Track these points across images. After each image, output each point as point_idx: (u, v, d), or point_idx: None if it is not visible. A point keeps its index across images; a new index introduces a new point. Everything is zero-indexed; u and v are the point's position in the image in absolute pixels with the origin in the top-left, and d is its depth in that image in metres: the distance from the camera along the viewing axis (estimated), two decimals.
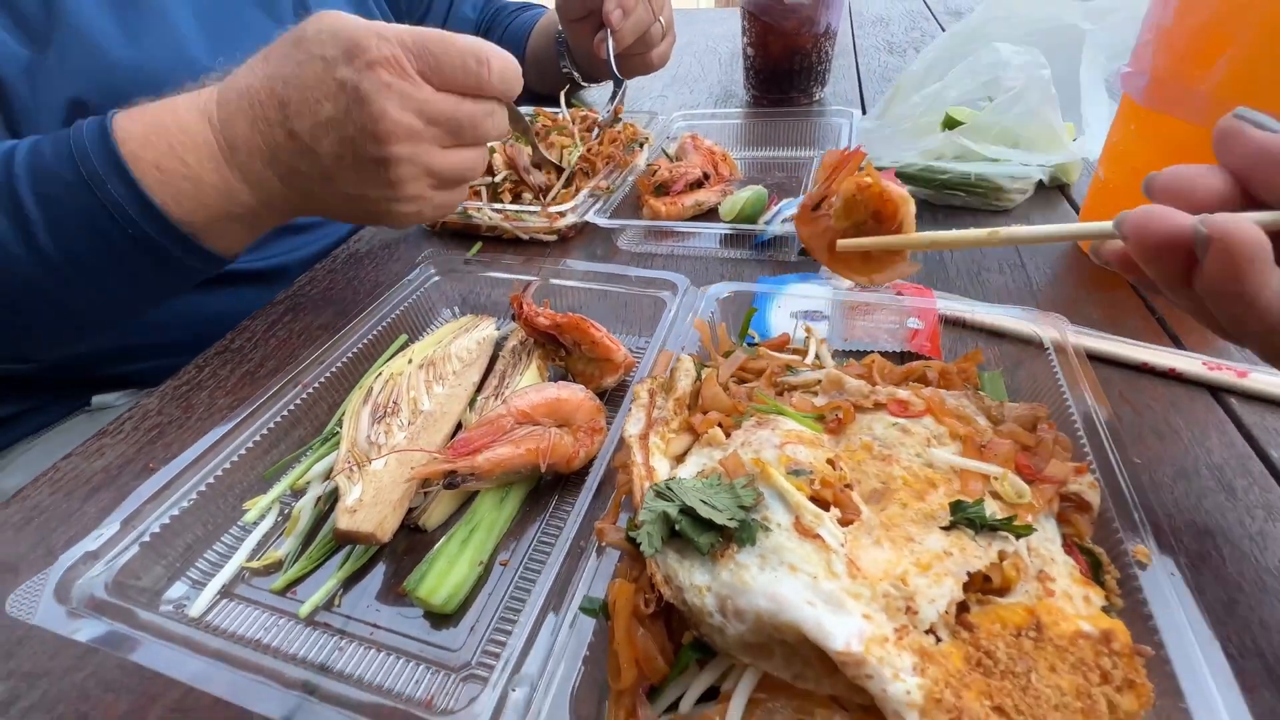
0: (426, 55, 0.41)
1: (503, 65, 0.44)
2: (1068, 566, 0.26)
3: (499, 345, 0.51)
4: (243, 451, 0.39)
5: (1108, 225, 0.26)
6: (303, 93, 0.42)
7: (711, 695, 0.26)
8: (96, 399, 0.75)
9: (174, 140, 0.43)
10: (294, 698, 0.27)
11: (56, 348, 0.54)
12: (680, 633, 0.27)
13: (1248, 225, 0.23)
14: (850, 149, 0.41)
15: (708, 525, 0.26)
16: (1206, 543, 0.32)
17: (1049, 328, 0.41)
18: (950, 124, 0.66)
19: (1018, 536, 0.26)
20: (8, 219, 0.42)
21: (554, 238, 0.66)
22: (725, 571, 0.25)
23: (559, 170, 0.70)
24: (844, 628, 0.21)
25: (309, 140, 0.43)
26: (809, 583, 0.23)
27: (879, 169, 0.39)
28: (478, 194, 0.70)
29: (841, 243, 0.34)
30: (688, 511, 0.26)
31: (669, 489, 0.27)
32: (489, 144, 0.70)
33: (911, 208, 0.32)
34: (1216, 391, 0.41)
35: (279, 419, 0.42)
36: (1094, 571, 0.27)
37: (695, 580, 0.25)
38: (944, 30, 1.26)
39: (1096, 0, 0.66)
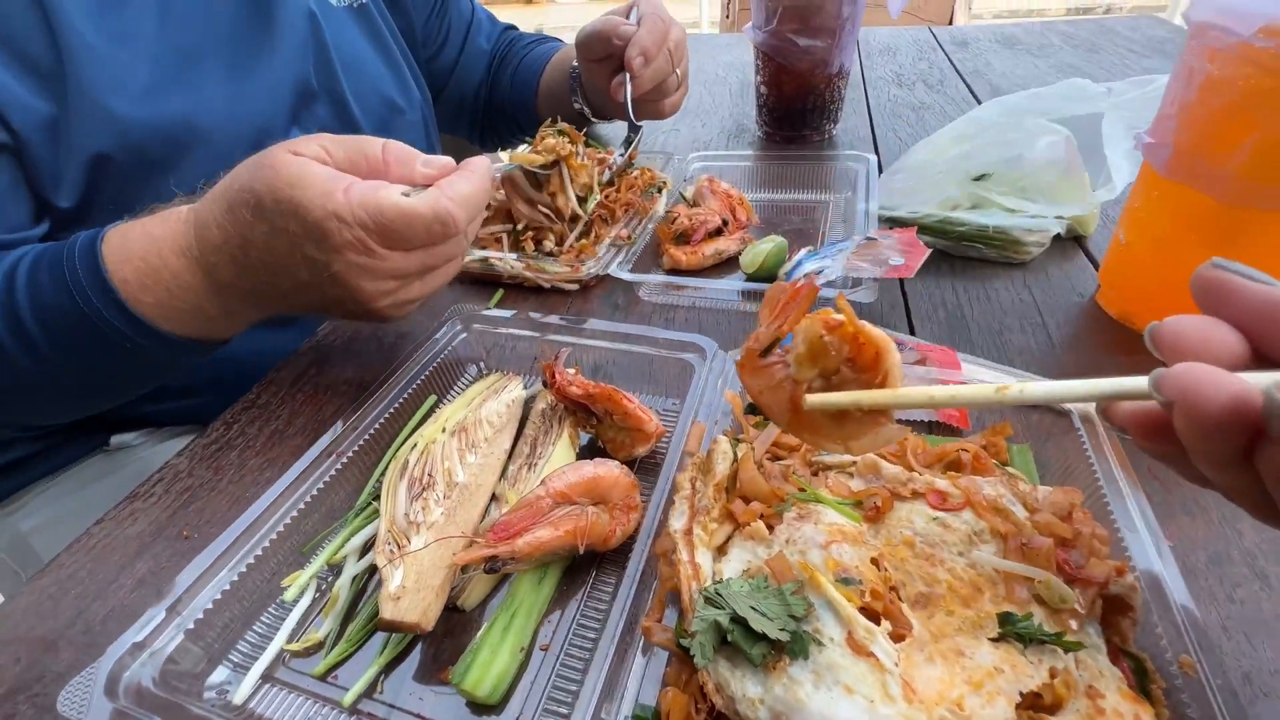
0: (389, 234, 0.42)
1: (469, 214, 0.45)
2: (1115, 679, 0.26)
3: (527, 405, 0.51)
4: (280, 529, 0.40)
5: (1142, 383, 0.21)
6: (278, 260, 0.44)
7: None
8: (115, 439, 0.75)
9: (170, 285, 0.46)
10: None
11: (70, 418, 0.60)
12: None
13: None
14: (802, 280, 0.41)
15: (759, 636, 0.26)
16: (1242, 629, 0.33)
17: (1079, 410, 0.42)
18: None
19: (1067, 650, 0.26)
20: (17, 344, 0.46)
21: (575, 286, 0.66)
22: (779, 686, 0.25)
23: (565, 207, 0.70)
24: None
25: (295, 297, 0.47)
26: (866, 707, 0.24)
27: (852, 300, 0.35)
28: (499, 242, 0.71)
29: (810, 399, 0.27)
30: (739, 620, 0.27)
31: (719, 595, 0.28)
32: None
33: (896, 356, 0.26)
34: None
35: (315, 491, 0.42)
36: (1139, 680, 0.28)
37: (748, 692, 0.26)
38: (950, 60, 1.27)
39: (1120, 88, 0.67)
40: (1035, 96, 0.74)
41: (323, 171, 0.42)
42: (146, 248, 0.46)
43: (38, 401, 0.53)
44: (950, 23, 1.98)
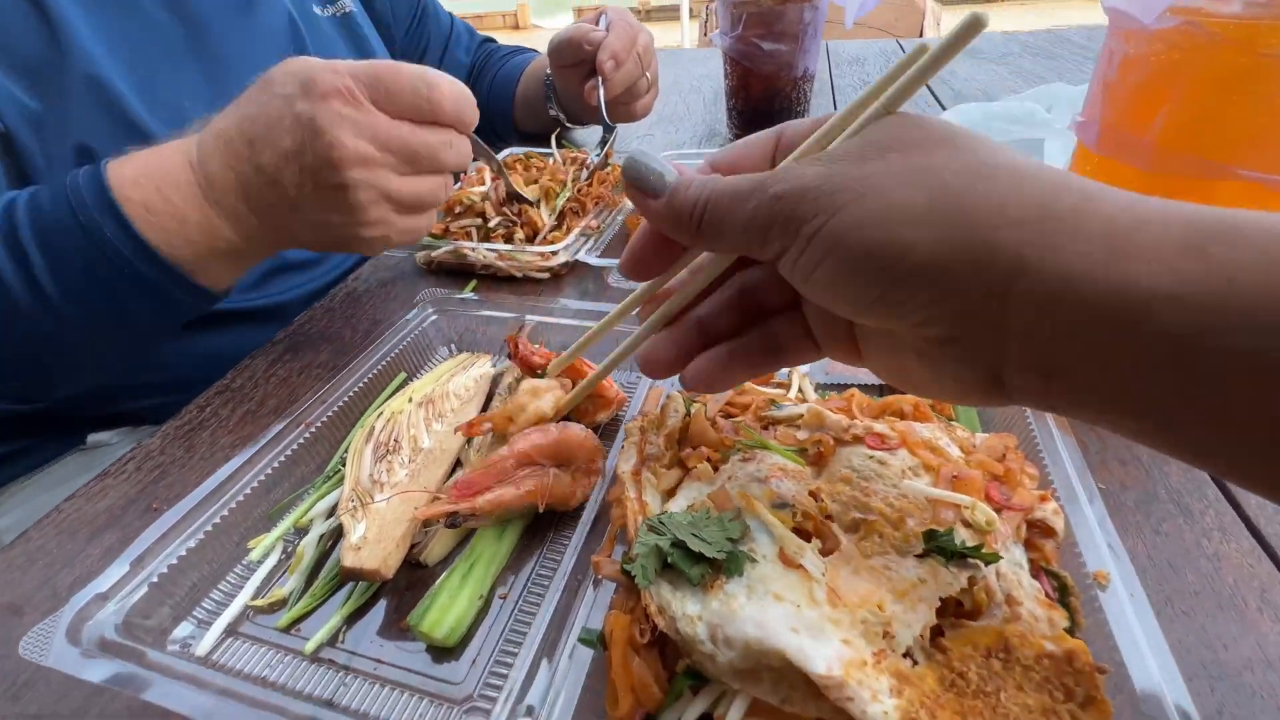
0: (377, 84, 0.44)
1: (454, 92, 0.47)
2: (1034, 590, 0.28)
3: (495, 381, 0.52)
4: (247, 492, 0.41)
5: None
6: (266, 129, 0.45)
7: None
8: (92, 437, 0.75)
9: (160, 182, 0.46)
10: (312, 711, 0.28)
11: (61, 389, 0.55)
12: (673, 662, 0.29)
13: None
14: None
15: (698, 558, 0.27)
16: (1165, 563, 0.34)
17: None
18: None
19: (987, 563, 0.28)
20: (14, 266, 0.45)
21: (546, 275, 0.68)
22: (715, 601, 0.26)
23: (528, 203, 0.72)
24: (824, 653, 0.23)
25: (273, 172, 0.46)
26: (793, 611, 0.25)
27: None
28: (469, 235, 0.73)
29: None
30: (679, 545, 0.28)
31: (661, 523, 0.29)
32: (466, 177, 0.73)
33: None
34: None
35: (282, 459, 0.43)
36: (1061, 594, 0.29)
37: (687, 610, 0.27)
38: None
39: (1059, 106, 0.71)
40: (989, 114, 0.78)
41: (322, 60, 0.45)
42: (148, 153, 0.47)
43: (32, 354, 0.50)
44: (921, 36, 2.05)
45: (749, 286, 0.30)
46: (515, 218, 0.71)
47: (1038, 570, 0.30)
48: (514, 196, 0.72)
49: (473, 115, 0.49)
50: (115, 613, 0.33)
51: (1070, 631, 0.28)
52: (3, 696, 0.34)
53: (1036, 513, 0.31)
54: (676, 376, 0.31)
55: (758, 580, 0.26)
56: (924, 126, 0.23)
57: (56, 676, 0.33)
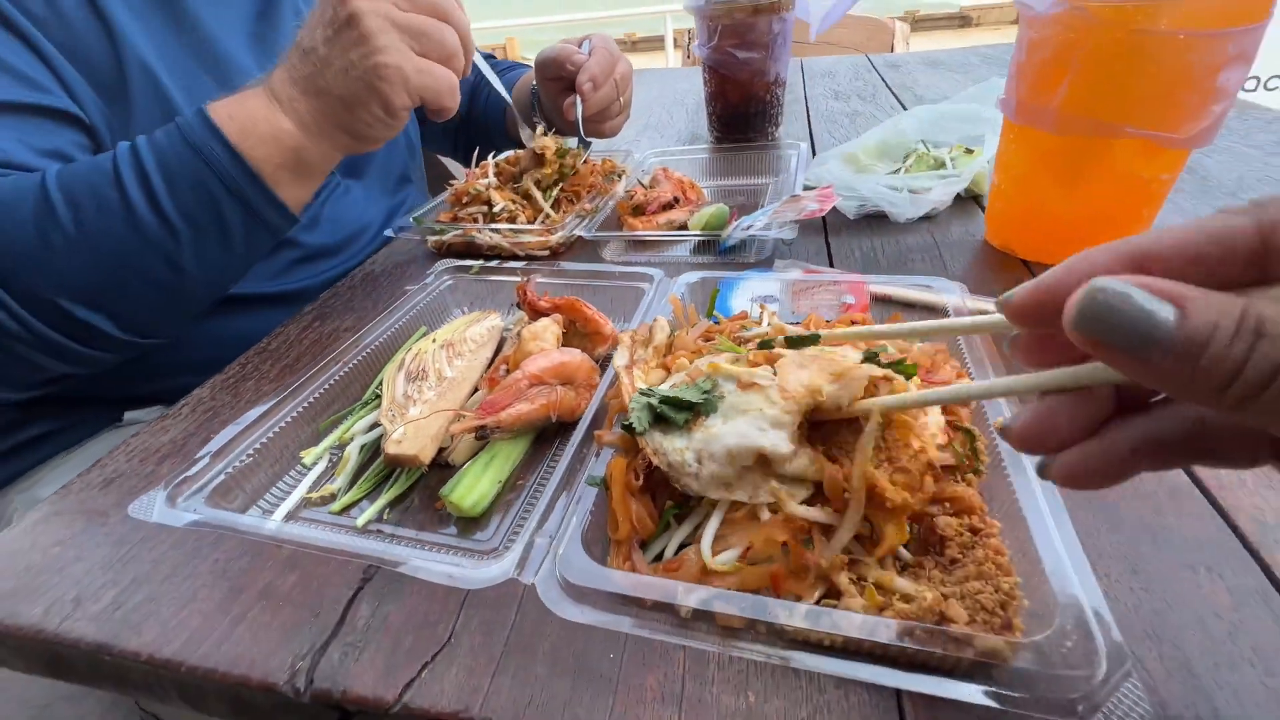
0: None
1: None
2: (939, 424, 0.35)
3: (506, 334, 0.60)
4: (294, 414, 0.48)
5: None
6: (310, 26, 0.57)
7: (685, 546, 0.35)
8: (129, 415, 0.82)
9: (243, 101, 0.57)
10: (364, 568, 0.35)
11: (165, 317, 0.64)
12: (662, 504, 0.36)
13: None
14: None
15: (681, 406, 0.35)
16: None
17: (953, 295, 0.52)
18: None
19: (907, 377, 0.35)
20: (141, 192, 0.54)
21: (546, 253, 0.76)
22: (698, 434, 0.34)
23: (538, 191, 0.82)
24: (783, 436, 0.30)
25: (308, 47, 0.56)
26: (756, 415, 0.32)
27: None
28: (475, 221, 0.81)
29: None
30: (666, 400, 0.35)
31: (650, 390, 0.36)
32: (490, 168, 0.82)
33: None
34: None
35: (323, 389, 0.50)
36: (969, 443, 0.36)
37: (676, 445, 0.34)
38: (882, 78, 1.43)
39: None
40: (942, 115, 0.88)
41: None
42: (240, 92, 0.58)
43: (153, 274, 0.58)
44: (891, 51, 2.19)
45: None
46: (519, 200, 0.80)
47: (951, 426, 0.37)
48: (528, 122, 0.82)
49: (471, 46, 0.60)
50: (199, 492, 0.40)
51: (975, 471, 0.35)
52: (115, 551, 0.40)
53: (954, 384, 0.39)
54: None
55: (728, 409, 0.34)
56: None
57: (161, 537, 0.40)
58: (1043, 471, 0.23)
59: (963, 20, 8.92)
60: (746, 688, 0.29)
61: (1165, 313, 0.16)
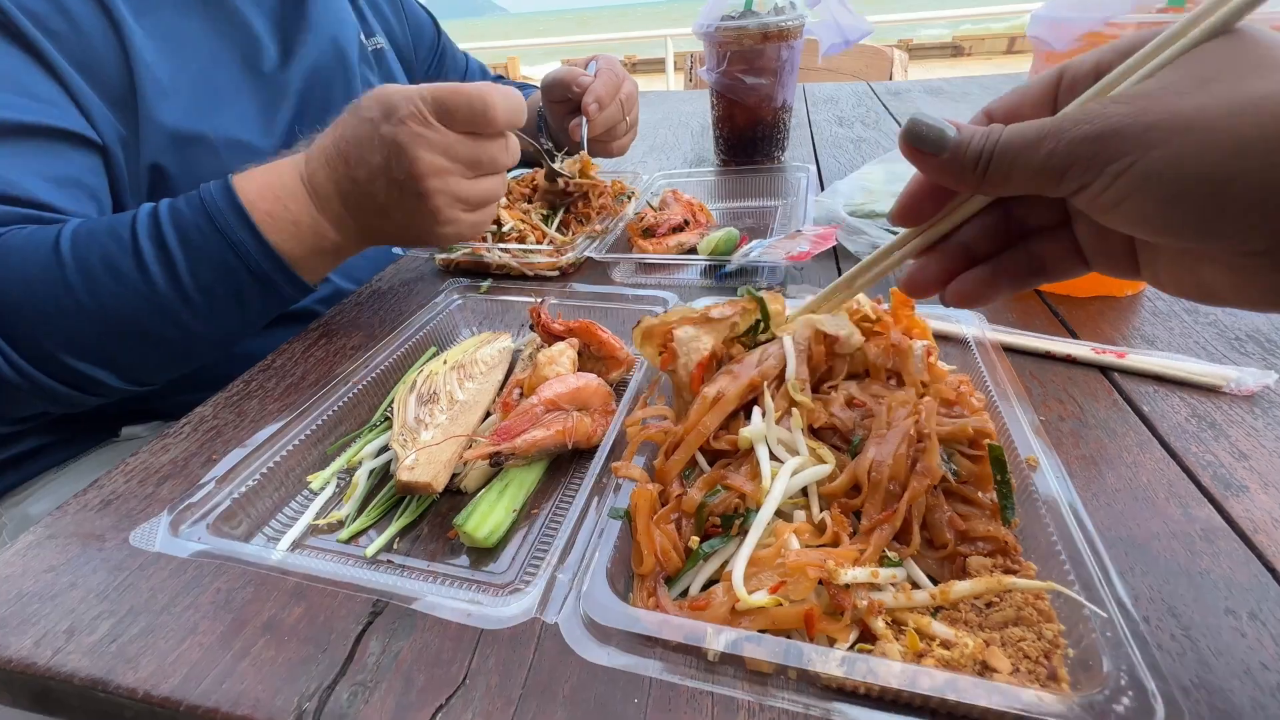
0: (441, 107, 0.53)
1: (506, 104, 0.55)
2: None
3: (516, 355, 0.59)
4: (301, 438, 0.46)
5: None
6: (359, 148, 0.55)
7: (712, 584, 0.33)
8: (126, 430, 0.80)
9: (279, 193, 0.56)
10: (373, 602, 0.33)
11: (168, 372, 0.63)
12: (687, 537, 0.35)
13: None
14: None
15: None
16: (1092, 466, 0.41)
17: (972, 326, 0.52)
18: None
19: None
20: (160, 263, 0.53)
21: (556, 274, 0.75)
22: None
23: (568, 177, 0.82)
24: None
25: (366, 184, 0.55)
26: None
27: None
28: (484, 240, 0.80)
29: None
30: None
31: None
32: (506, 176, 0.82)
33: None
34: (1104, 370, 0.51)
35: (331, 412, 0.49)
36: (1004, 489, 0.35)
37: None
38: (885, 106, 1.45)
39: None
40: None
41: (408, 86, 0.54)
42: (266, 169, 0.57)
43: (161, 338, 0.57)
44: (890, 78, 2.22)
45: (1011, 209, 0.32)
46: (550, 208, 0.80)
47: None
48: (552, 175, 0.81)
49: (522, 117, 0.57)
50: (202, 520, 0.39)
51: (1006, 521, 0.34)
52: (112, 578, 0.39)
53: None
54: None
55: None
56: (1262, 47, 0.23)
57: (162, 567, 0.38)
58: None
59: (955, 50, 9.12)
60: None
61: (950, 130, 0.28)
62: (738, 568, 0.31)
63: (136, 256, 0.53)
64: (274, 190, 0.55)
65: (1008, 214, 0.32)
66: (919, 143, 0.28)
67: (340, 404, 0.50)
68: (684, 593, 0.34)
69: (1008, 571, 0.32)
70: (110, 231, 0.53)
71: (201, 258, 0.54)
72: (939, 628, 0.29)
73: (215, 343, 0.61)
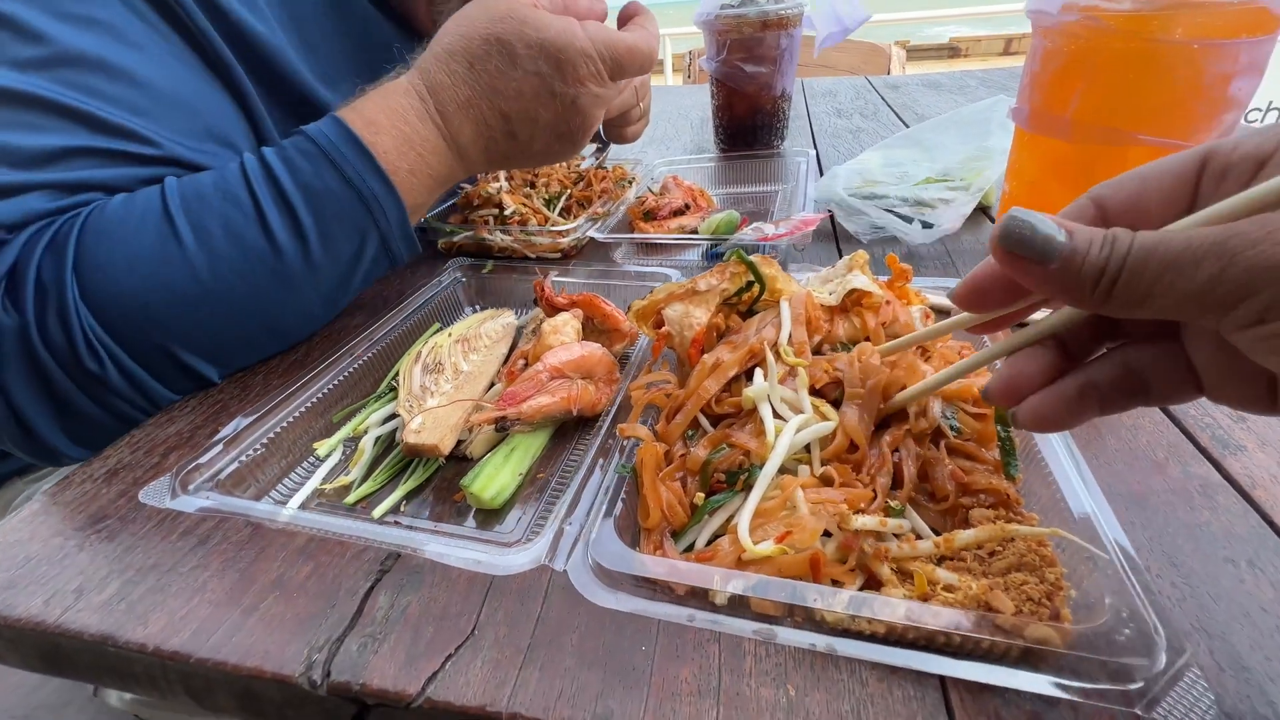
0: (618, 67, 0.52)
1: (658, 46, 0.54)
2: None
3: (519, 332, 0.59)
4: (307, 406, 0.47)
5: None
6: (523, 104, 0.51)
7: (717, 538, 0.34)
8: None
9: (420, 149, 0.50)
10: (380, 560, 0.33)
11: (260, 357, 0.57)
12: (692, 494, 0.35)
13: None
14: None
15: None
16: (1092, 429, 0.41)
17: None
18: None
19: None
20: (288, 231, 0.48)
21: (558, 255, 0.76)
22: None
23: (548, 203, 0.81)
24: None
25: (527, 139, 0.53)
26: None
27: None
28: (487, 224, 0.81)
29: None
30: None
31: None
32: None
33: None
34: None
35: (336, 382, 0.49)
36: (1006, 445, 0.36)
37: None
38: (883, 98, 1.46)
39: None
40: (954, 120, 0.89)
41: (555, 19, 0.49)
42: (393, 120, 0.49)
43: (271, 309, 0.52)
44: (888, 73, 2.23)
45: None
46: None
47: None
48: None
49: None
50: (210, 480, 0.39)
51: (1010, 476, 0.35)
52: (120, 541, 0.39)
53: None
54: None
55: None
56: None
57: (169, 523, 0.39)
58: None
59: (952, 51, 9.15)
60: (786, 680, 0.28)
61: (1060, 235, 0.22)
62: (743, 519, 0.32)
63: (262, 223, 0.47)
64: (413, 145, 0.50)
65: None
66: (1018, 248, 0.22)
67: (345, 375, 0.50)
68: (689, 547, 0.34)
69: (1009, 522, 0.32)
70: (224, 194, 0.47)
71: (335, 225, 0.49)
72: (943, 574, 0.29)
73: (320, 317, 0.57)
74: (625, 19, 0.57)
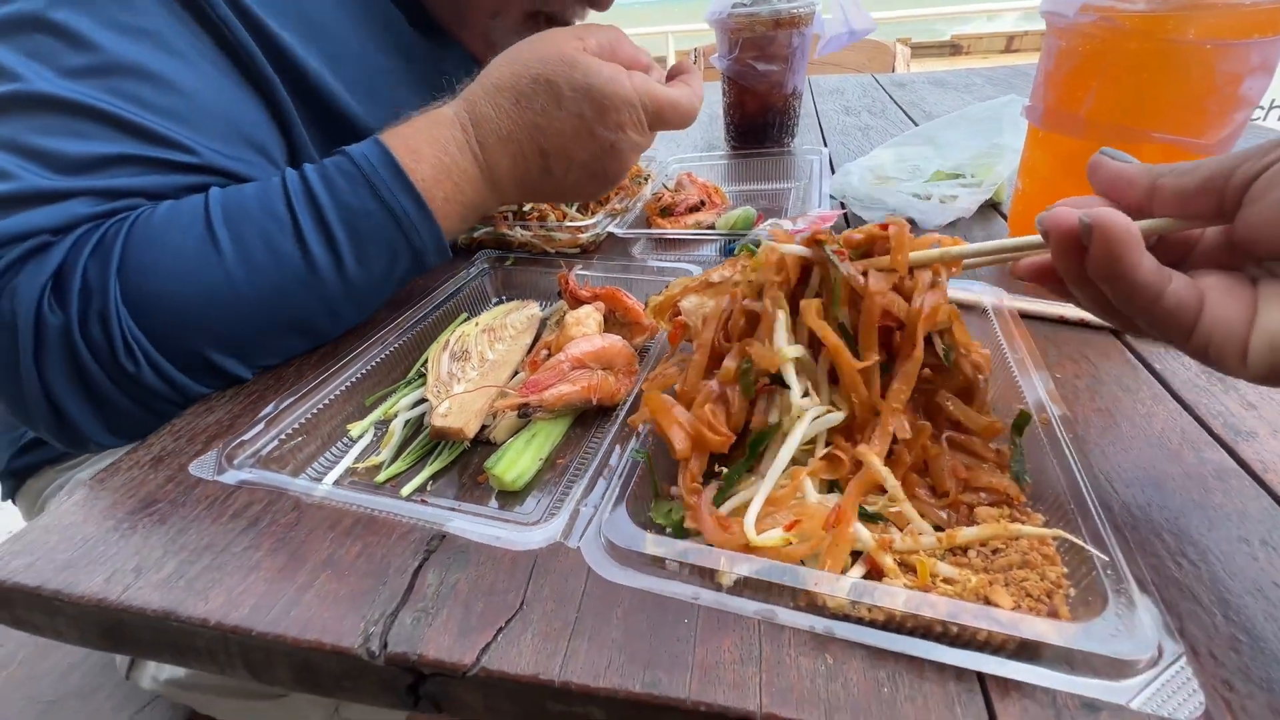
0: (659, 117, 0.53)
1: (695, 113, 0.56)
2: None
3: (543, 323, 0.61)
4: (339, 391, 0.49)
5: (1035, 238, 0.34)
6: (562, 143, 0.53)
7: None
8: None
9: (457, 178, 0.52)
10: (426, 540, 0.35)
11: (289, 356, 0.57)
12: (736, 406, 0.37)
13: (1118, 214, 0.29)
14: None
15: None
16: (1107, 417, 0.43)
17: (990, 295, 0.54)
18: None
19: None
20: (323, 246, 0.49)
21: (577, 250, 0.77)
22: None
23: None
24: None
25: (561, 176, 0.55)
26: None
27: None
28: (505, 218, 0.82)
29: None
30: None
31: None
32: None
33: None
34: (1116, 333, 0.52)
35: (368, 368, 0.51)
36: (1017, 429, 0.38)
37: None
38: (890, 96, 1.47)
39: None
40: (962, 117, 0.90)
41: (603, 66, 0.51)
42: (435, 150, 0.51)
43: (307, 323, 0.53)
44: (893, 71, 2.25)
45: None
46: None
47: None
48: None
49: None
50: (252, 456, 0.41)
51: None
52: (173, 523, 0.40)
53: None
54: None
55: None
56: None
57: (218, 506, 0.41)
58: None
59: (954, 49, 9.14)
60: (824, 650, 0.30)
61: None
62: (750, 512, 0.33)
63: (299, 238, 0.49)
64: (450, 175, 0.52)
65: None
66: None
67: (377, 362, 0.52)
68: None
69: (1014, 521, 0.34)
70: (265, 208, 0.49)
71: (368, 242, 0.50)
72: (944, 567, 0.31)
73: (352, 321, 0.58)
74: (674, 75, 0.59)
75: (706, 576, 0.32)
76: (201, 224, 0.48)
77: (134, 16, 0.50)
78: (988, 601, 0.29)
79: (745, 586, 0.31)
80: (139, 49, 0.50)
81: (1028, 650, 0.27)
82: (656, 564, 0.33)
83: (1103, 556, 0.30)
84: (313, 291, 0.51)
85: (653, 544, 0.32)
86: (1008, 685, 0.28)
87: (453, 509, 0.40)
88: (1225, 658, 0.28)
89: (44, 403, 0.49)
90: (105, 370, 0.48)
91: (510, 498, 0.42)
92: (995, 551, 0.32)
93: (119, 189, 0.49)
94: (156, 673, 0.66)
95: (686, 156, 1.00)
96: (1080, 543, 0.30)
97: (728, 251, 0.72)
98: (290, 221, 0.49)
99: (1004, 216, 0.78)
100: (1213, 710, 0.26)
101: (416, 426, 0.48)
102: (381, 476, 0.43)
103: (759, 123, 1.09)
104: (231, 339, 0.50)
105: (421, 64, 0.74)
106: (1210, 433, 0.40)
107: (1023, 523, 0.34)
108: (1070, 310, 0.55)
